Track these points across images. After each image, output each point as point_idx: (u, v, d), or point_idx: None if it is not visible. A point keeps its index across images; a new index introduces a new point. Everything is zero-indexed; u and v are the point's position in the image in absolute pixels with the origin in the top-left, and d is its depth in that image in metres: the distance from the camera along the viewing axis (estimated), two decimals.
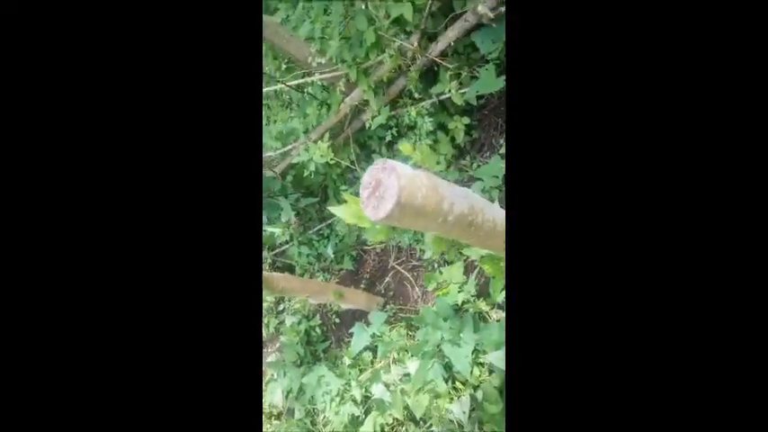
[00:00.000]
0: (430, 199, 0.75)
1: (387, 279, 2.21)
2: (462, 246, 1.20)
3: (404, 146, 0.92)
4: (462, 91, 1.62)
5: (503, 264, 1.16)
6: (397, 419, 1.73)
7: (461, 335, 1.62)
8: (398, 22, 1.59)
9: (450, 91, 1.66)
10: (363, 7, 1.59)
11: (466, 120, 1.78)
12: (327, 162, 1.89)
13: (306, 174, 2.02)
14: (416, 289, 2.09)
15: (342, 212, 0.97)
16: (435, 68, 1.68)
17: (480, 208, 0.87)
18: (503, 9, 1.37)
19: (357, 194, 0.83)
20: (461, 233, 0.86)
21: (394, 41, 1.61)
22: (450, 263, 1.95)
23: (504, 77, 1.44)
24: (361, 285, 2.29)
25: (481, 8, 1.39)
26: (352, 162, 2.11)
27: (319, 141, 1.84)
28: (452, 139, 1.85)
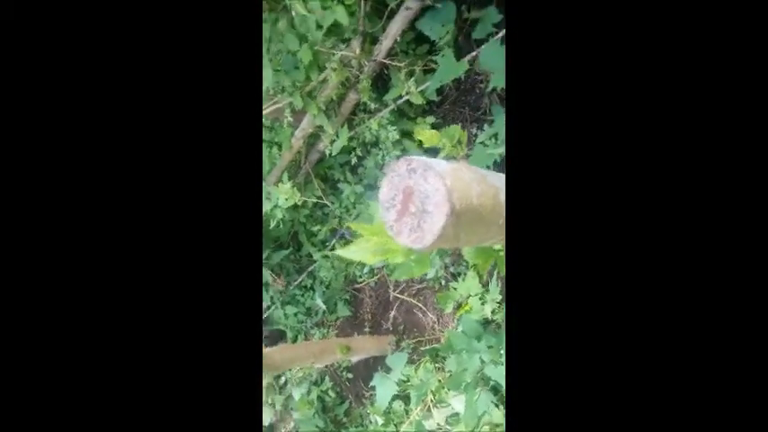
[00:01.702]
0: (486, 197, 0.55)
1: (392, 313, 1.99)
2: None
3: (422, 133, 0.71)
4: (422, 88, 1.47)
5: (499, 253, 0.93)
6: None
7: (501, 351, 1.42)
8: (333, 31, 1.43)
9: (407, 92, 1.50)
10: (289, 25, 1.41)
11: (431, 119, 1.63)
12: (294, 204, 1.66)
13: (272, 225, 1.77)
14: (429, 314, 1.87)
15: (357, 253, 0.74)
16: (386, 72, 1.52)
17: None
18: None
19: (342, 235, 0.62)
20: None
21: (333, 54, 1.44)
22: (456, 275, 1.77)
23: (465, 60, 1.30)
24: (366, 329, 2.04)
25: None
26: (318, 198, 1.90)
27: (279, 184, 1.61)
28: (420, 143, 1.69)
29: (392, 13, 1.38)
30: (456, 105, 1.72)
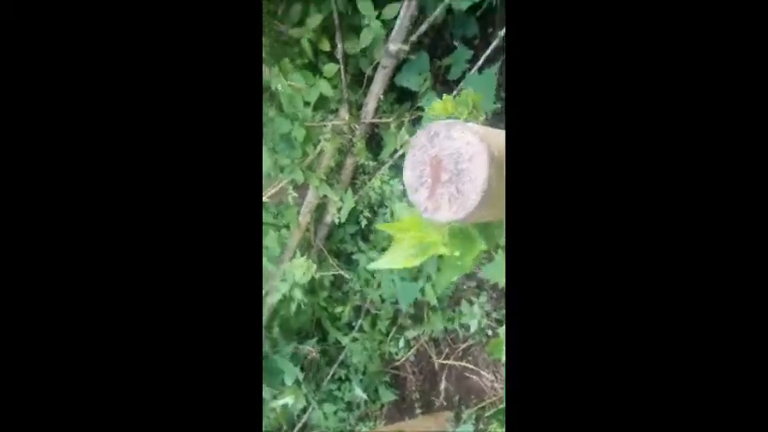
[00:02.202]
0: (503, 151, 0.51)
1: (442, 385, 1.78)
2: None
3: (434, 106, 0.69)
4: (407, 137, 1.51)
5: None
6: None
7: None
8: (320, 104, 1.52)
9: (401, 145, 1.54)
10: (278, 110, 1.51)
11: None
12: (311, 280, 1.59)
13: (293, 310, 1.68)
14: (485, 373, 1.68)
15: (392, 260, 0.66)
16: (377, 130, 1.58)
17: None
18: (413, 38, 1.34)
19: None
20: None
21: (325, 125, 1.51)
22: (501, 320, 1.62)
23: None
24: (417, 411, 1.81)
25: (392, 46, 1.36)
26: (335, 274, 1.84)
27: (293, 260, 1.56)
28: None
29: (370, 80, 1.48)
30: None
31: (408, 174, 0.54)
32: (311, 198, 1.67)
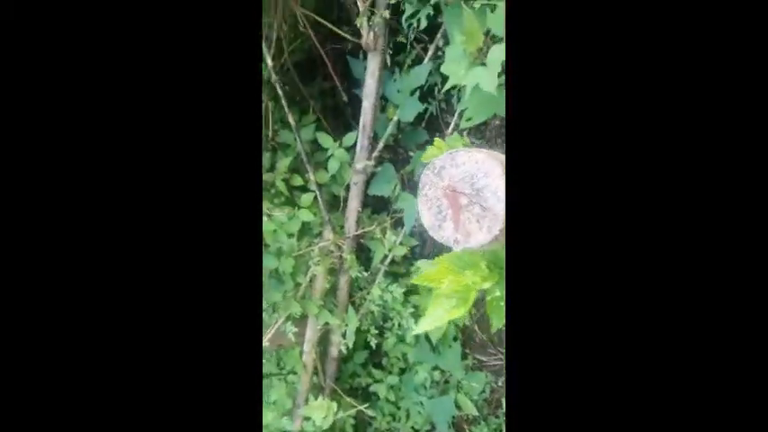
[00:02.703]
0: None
1: None
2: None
3: (427, 151, 0.71)
4: (400, 239, 1.55)
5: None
6: None
7: None
8: (303, 233, 1.55)
9: (389, 249, 1.57)
10: (265, 248, 1.52)
11: (423, 261, 1.65)
12: (333, 424, 1.38)
13: None
14: None
15: (436, 317, 0.60)
16: (362, 241, 1.61)
17: None
18: (376, 153, 1.49)
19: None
20: None
21: (312, 250, 1.52)
22: None
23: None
24: None
25: (359, 165, 1.49)
26: (356, 419, 1.61)
27: (309, 402, 1.37)
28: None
29: (345, 199, 1.58)
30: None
31: (426, 215, 0.55)
32: (312, 332, 1.56)
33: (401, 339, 1.65)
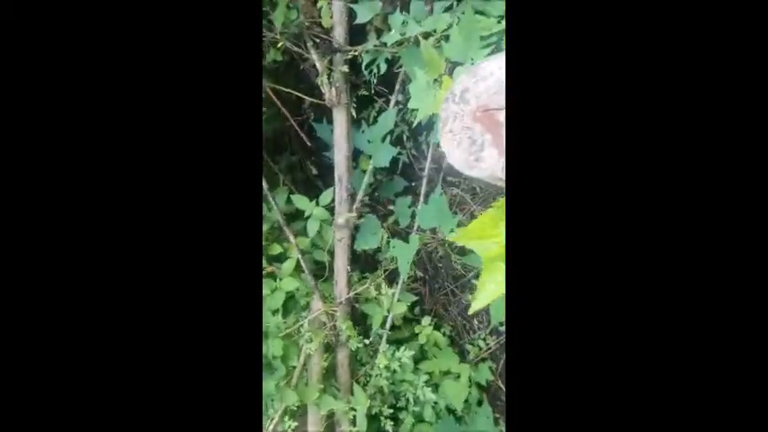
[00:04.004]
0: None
1: None
2: None
3: (445, 79, 0.58)
4: (395, 291, 1.40)
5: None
6: None
7: None
8: (287, 308, 1.36)
9: (388, 310, 1.40)
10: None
11: (427, 319, 1.47)
12: None
13: None
14: None
15: (489, 292, 0.46)
16: (356, 305, 1.42)
17: None
18: (357, 204, 1.41)
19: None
20: None
21: (301, 326, 1.33)
22: None
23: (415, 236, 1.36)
24: None
25: (340, 219, 1.39)
26: None
27: None
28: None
29: (330, 263, 1.44)
30: (435, 280, 1.63)
31: (456, 155, 0.45)
32: (314, 425, 1.28)
33: (419, 418, 1.38)
